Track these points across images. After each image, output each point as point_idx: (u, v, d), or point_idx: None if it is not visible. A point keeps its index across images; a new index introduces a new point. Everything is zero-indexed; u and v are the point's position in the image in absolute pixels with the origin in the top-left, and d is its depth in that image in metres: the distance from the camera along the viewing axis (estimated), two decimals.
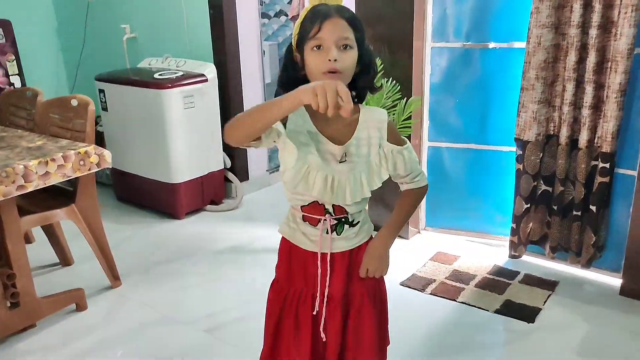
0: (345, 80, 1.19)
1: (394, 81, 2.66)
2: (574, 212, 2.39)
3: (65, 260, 2.85)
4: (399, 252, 2.87)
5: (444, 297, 2.45)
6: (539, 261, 2.70)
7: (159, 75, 3.24)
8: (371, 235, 1.40)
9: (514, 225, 2.59)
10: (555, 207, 2.45)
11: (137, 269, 2.79)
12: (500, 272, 2.64)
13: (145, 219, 3.42)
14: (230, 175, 3.60)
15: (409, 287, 2.55)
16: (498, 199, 2.86)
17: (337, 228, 1.31)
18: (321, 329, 1.35)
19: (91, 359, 2.12)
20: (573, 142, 2.35)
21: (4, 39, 3.39)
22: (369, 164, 1.27)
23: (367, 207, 1.46)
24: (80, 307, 2.43)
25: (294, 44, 1.25)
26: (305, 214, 1.30)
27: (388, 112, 2.21)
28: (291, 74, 1.24)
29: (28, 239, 3.09)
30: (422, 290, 2.52)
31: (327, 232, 1.30)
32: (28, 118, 2.76)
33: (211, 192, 3.51)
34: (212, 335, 2.24)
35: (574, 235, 2.42)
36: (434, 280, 2.59)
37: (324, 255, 1.32)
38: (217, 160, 3.50)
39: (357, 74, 1.23)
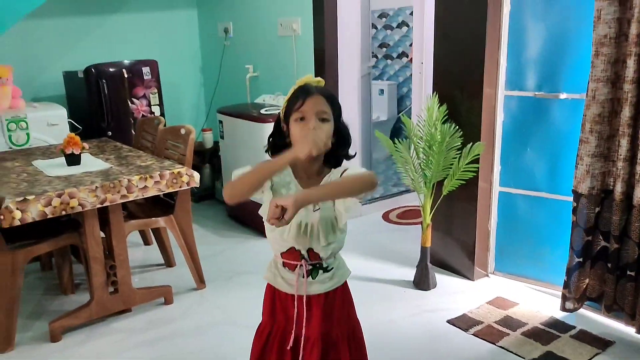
0: (324, 148, 1.39)
1: (458, 126, 2.79)
2: (629, 272, 2.30)
3: (168, 262, 3.39)
4: (459, 293, 2.95)
5: (484, 340, 2.50)
6: (601, 318, 2.60)
7: (264, 110, 3.70)
8: (345, 281, 1.58)
9: (566, 278, 2.54)
10: (609, 265, 2.38)
11: (222, 277, 3.21)
12: (553, 324, 2.59)
13: (244, 235, 3.88)
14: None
15: (454, 325, 2.62)
16: (566, 250, 2.80)
17: (312, 273, 1.50)
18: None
19: (164, 343, 2.56)
20: (628, 198, 2.28)
21: (150, 75, 4.13)
22: (338, 215, 1.47)
23: (340, 257, 1.61)
24: (167, 301, 2.91)
25: (282, 115, 1.52)
26: (285, 260, 1.52)
27: (452, 156, 2.55)
28: (278, 141, 1.52)
29: (147, 241, 3.72)
30: (466, 330, 2.58)
31: (303, 277, 1.49)
32: (152, 141, 3.37)
33: None
34: None
35: (627, 296, 2.32)
36: (482, 323, 2.63)
37: (300, 297, 1.50)
38: None
39: (334, 144, 1.47)
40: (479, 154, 2.78)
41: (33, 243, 2.58)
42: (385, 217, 4.19)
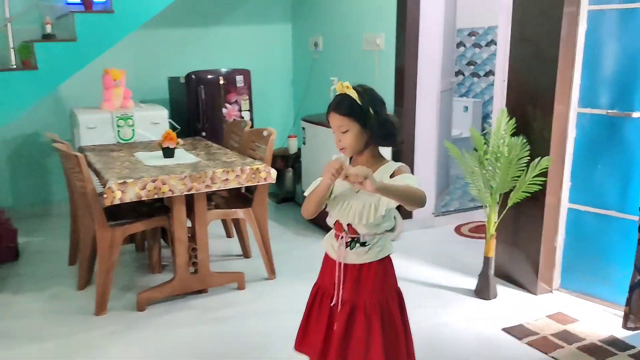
0: (352, 151, 1.72)
1: (527, 140, 2.85)
2: None
3: (245, 253, 3.67)
4: (519, 305, 2.97)
5: (537, 349, 2.52)
6: None
7: None
8: (382, 259, 1.78)
9: (628, 296, 2.51)
10: None
11: (292, 270, 3.44)
12: (613, 342, 2.56)
13: (320, 236, 4.07)
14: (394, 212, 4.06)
15: (509, 334, 2.66)
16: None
17: (350, 244, 1.75)
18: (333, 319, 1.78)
19: (233, 322, 2.82)
20: None
21: (242, 83, 4.50)
22: (379, 198, 1.68)
23: (387, 237, 1.82)
24: (240, 286, 3.18)
25: None
26: (335, 230, 1.79)
27: (519, 169, 2.65)
28: None
29: (229, 234, 4.04)
30: (520, 339, 2.61)
31: (343, 247, 1.75)
32: (238, 142, 3.69)
33: None
34: None
35: None
36: (537, 334, 2.65)
37: (339, 264, 1.76)
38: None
39: (371, 137, 1.70)
40: (546, 168, 2.82)
41: (129, 222, 2.95)
42: (458, 230, 4.24)
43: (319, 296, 1.86)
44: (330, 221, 1.80)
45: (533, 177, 2.82)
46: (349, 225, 1.73)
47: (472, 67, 6.15)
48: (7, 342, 2.65)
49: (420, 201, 1.62)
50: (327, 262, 1.85)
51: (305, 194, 1.78)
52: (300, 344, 1.92)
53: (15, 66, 3.72)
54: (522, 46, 3.03)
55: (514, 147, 2.83)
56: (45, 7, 4.17)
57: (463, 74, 6.20)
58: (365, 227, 1.72)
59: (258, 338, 2.68)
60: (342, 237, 1.75)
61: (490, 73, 5.95)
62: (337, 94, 1.73)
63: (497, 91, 4.68)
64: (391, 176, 1.71)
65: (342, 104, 1.70)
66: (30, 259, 3.68)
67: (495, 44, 5.80)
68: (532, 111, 2.96)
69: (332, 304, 1.79)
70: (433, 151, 4.18)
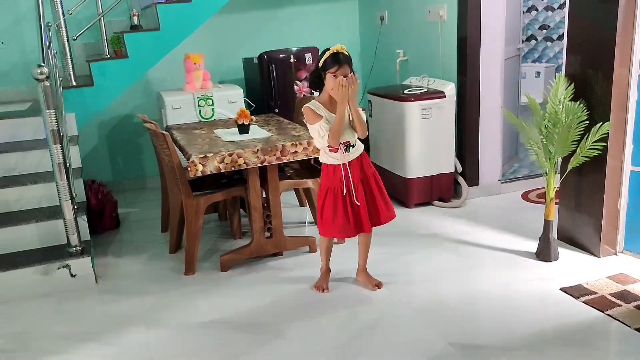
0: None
1: (587, 105, 2.88)
2: None
3: (316, 220, 3.94)
4: (580, 266, 3.05)
5: (593, 307, 2.61)
6: None
7: (408, 91, 4.06)
8: (363, 150, 2.82)
9: None
10: None
11: None
12: None
13: None
14: (460, 179, 4.18)
15: (566, 293, 2.76)
16: None
17: (347, 149, 2.71)
18: (354, 199, 2.76)
19: (306, 281, 3.10)
20: None
21: (311, 61, 4.72)
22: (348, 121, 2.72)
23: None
24: (312, 249, 3.46)
25: (320, 66, 2.65)
26: (330, 148, 2.72)
27: (577, 133, 2.92)
28: (317, 81, 2.71)
29: (302, 203, 4.33)
30: (577, 297, 2.71)
31: (343, 152, 2.70)
32: None
33: (440, 190, 4.17)
34: (385, 288, 2.97)
35: None
36: (595, 293, 2.73)
37: (344, 165, 2.72)
38: (449, 164, 4.13)
39: None
40: (607, 133, 2.84)
41: (211, 192, 3.29)
42: (525, 196, 4.29)
43: (330, 193, 2.76)
44: (323, 143, 2.72)
45: (593, 142, 2.87)
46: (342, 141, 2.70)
47: (544, 31, 6.01)
48: (114, 297, 3.09)
49: (366, 128, 2.77)
50: (329, 169, 2.77)
51: (326, 142, 2.71)
52: (325, 231, 2.86)
53: (108, 56, 4.16)
54: (581, 7, 3.03)
55: (571, 111, 2.88)
56: (132, 0, 4.58)
57: (536, 39, 6.07)
58: (352, 136, 2.74)
59: (327, 294, 2.95)
60: (340, 149, 2.71)
61: (564, 36, 5.79)
62: (335, 51, 2.61)
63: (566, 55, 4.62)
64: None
65: (348, 59, 2.62)
66: (128, 227, 4.17)
67: None
68: (592, 75, 2.98)
69: (344, 194, 2.73)
70: (498, 119, 4.22)
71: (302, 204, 4.32)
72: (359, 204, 2.75)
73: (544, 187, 4.58)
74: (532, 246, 3.31)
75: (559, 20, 5.81)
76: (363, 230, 2.83)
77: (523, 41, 5.85)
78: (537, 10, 5.99)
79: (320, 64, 2.64)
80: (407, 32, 4.72)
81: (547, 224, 3.13)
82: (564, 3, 5.71)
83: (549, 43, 5.99)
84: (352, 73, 2.61)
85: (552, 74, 5.82)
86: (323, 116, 2.68)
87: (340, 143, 2.70)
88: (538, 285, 2.89)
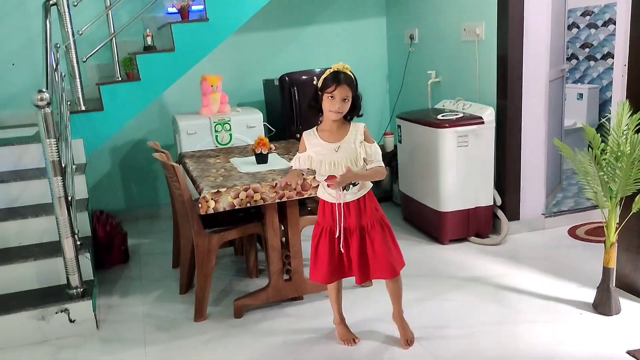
0: (341, 115, 2.31)
1: None
2: None
3: None
4: None
5: None
6: None
7: (441, 116, 3.71)
8: (370, 191, 2.43)
9: None
10: None
11: None
12: None
13: (416, 238, 3.93)
14: (499, 212, 3.79)
15: (634, 357, 2.36)
16: None
17: (345, 188, 2.36)
18: (340, 246, 2.41)
19: (326, 331, 2.75)
20: None
21: None
22: (355, 151, 2.32)
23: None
24: None
25: (318, 86, 2.29)
26: (327, 182, 2.35)
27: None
28: (313, 104, 2.34)
29: None
30: None
31: (340, 190, 2.35)
32: None
33: (477, 225, 3.78)
34: (418, 342, 2.59)
35: None
36: None
37: (339, 204, 2.37)
38: (487, 196, 3.75)
39: (350, 108, 2.32)
40: None
41: (225, 229, 2.98)
42: (572, 232, 3.87)
43: (324, 233, 2.44)
44: (320, 178, 2.39)
45: None
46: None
47: (587, 49, 5.61)
48: (113, 346, 2.78)
49: (383, 177, 2.39)
50: (325, 206, 2.44)
51: (320, 176, 2.39)
52: (316, 276, 2.52)
53: (120, 78, 3.91)
54: None
55: (638, 144, 2.49)
56: (147, 18, 4.35)
57: (577, 58, 5.68)
58: None
59: (352, 348, 2.59)
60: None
61: (609, 56, 5.39)
62: (334, 70, 2.27)
63: (616, 77, 4.23)
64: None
65: (349, 80, 2.27)
66: (138, 261, 3.87)
67: (614, 24, 5.24)
68: None
69: (337, 236, 2.40)
70: (542, 147, 3.84)
71: None
72: (342, 251, 2.42)
73: (594, 222, 4.22)
74: (586, 294, 2.91)
75: (603, 38, 5.41)
76: (345, 276, 2.52)
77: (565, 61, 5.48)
78: (578, 27, 5.60)
79: (319, 84, 2.31)
80: (440, 51, 4.38)
81: (606, 272, 2.73)
82: (609, 20, 5.32)
83: (592, 62, 5.58)
84: (350, 120, 2.36)
85: (596, 95, 5.40)
86: (307, 149, 2.39)
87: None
88: (598, 346, 2.48)
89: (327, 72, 2.29)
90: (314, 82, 4.35)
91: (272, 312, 2.98)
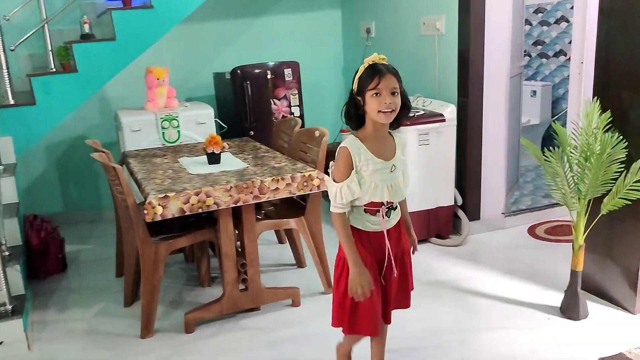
0: (395, 114, 1.77)
1: (623, 136, 2.42)
2: None
3: (299, 262, 3.40)
4: (615, 326, 2.58)
5: None
6: None
7: None
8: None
9: None
10: None
11: None
12: None
13: None
14: (460, 213, 3.70)
15: None
16: None
17: (387, 213, 1.86)
18: (381, 278, 1.92)
19: (289, 346, 2.55)
20: None
21: (291, 77, 4.20)
22: (405, 167, 1.90)
23: None
24: (295, 303, 2.91)
25: (355, 89, 1.79)
26: (367, 208, 1.84)
27: (614, 170, 2.43)
28: (353, 112, 1.81)
29: (281, 240, 3.78)
30: None
31: (383, 217, 1.85)
32: (288, 142, 3.41)
33: (438, 225, 3.67)
34: (385, 355, 2.43)
35: None
36: None
37: (385, 232, 1.87)
38: (448, 196, 3.64)
39: (400, 109, 1.78)
40: None
41: (174, 237, 2.72)
42: (532, 231, 3.82)
43: (369, 266, 1.87)
44: (361, 204, 1.84)
45: (634, 182, 2.40)
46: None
47: (539, 47, 5.62)
48: None
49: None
50: (363, 238, 1.88)
51: (362, 200, 1.83)
52: (362, 327, 1.93)
53: (54, 69, 3.56)
54: (610, 21, 2.59)
55: (609, 144, 2.41)
56: (85, 5, 3.99)
57: (530, 55, 5.68)
58: (400, 195, 1.89)
59: None
60: (381, 211, 1.85)
61: (561, 53, 5.41)
62: (371, 62, 1.77)
63: (573, 74, 4.22)
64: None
65: (393, 69, 1.78)
66: (77, 270, 3.55)
67: (567, 21, 5.26)
68: (629, 101, 2.53)
69: (381, 274, 1.91)
70: (502, 145, 3.77)
71: (281, 241, 3.77)
72: (384, 283, 1.94)
73: (553, 220, 4.18)
74: (552, 298, 2.84)
75: (555, 35, 5.42)
76: (385, 322, 2.04)
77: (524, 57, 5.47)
78: (531, 24, 5.60)
79: (354, 88, 1.80)
80: (398, 46, 4.24)
81: (574, 275, 2.65)
82: (561, 17, 5.33)
83: (544, 60, 5.60)
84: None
85: (549, 93, 5.42)
86: (355, 169, 1.79)
87: (382, 203, 1.84)
88: (571, 353, 2.39)
89: (361, 69, 1.78)
90: (268, 77, 4.16)
91: (227, 326, 2.75)
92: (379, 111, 1.73)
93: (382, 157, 1.81)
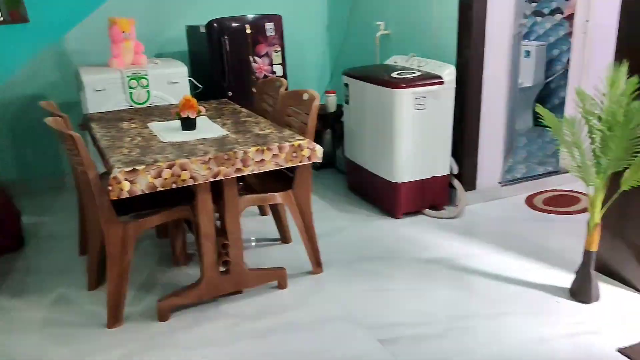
0: None
1: None
2: None
3: (284, 237, 3.12)
4: (631, 311, 2.38)
5: None
6: None
7: (397, 74, 3.25)
8: None
9: None
10: None
11: (340, 261, 2.89)
12: None
13: (365, 211, 3.51)
14: (456, 182, 3.44)
15: (627, 357, 2.08)
16: None
17: None
18: None
19: (275, 337, 2.29)
20: None
21: (273, 32, 3.81)
22: None
23: None
24: (281, 285, 2.64)
25: None
26: None
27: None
28: None
29: (264, 212, 3.48)
30: None
31: None
32: (272, 105, 3.07)
33: (433, 196, 3.41)
34: (384, 346, 2.19)
35: None
36: None
37: None
38: (444, 165, 3.38)
39: None
40: None
41: (144, 215, 2.39)
42: (529, 202, 3.60)
43: None
44: None
45: None
46: None
47: (533, 4, 5.30)
48: None
49: None
50: None
51: None
52: None
53: (2, 19, 3.10)
54: None
55: (635, 114, 2.15)
56: None
57: (524, 14, 5.35)
58: None
59: (307, 358, 2.16)
60: None
61: (557, 11, 5.11)
62: None
63: (576, 35, 3.93)
64: None
65: None
66: (36, 247, 3.20)
67: None
68: None
69: None
70: (502, 109, 3.49)
71: (263, 213, 3.47)
72: None
73: (550, 190, 3.95)
74: (558, 278, 2.63)
75: None
76: None
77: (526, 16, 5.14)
78: None
79: None
80: (389, 0, 3.88)
81: (587, 255, 2.43)
82: None
83: (538, 18, 5.30)
84: None
85: (544, 53, 5.14)
86: None
87: None
88: (586, 343, 2.18)
89: None
90: (248, 31, 3.76)
91: (206, 313, 2.46)
92: None
93: None
